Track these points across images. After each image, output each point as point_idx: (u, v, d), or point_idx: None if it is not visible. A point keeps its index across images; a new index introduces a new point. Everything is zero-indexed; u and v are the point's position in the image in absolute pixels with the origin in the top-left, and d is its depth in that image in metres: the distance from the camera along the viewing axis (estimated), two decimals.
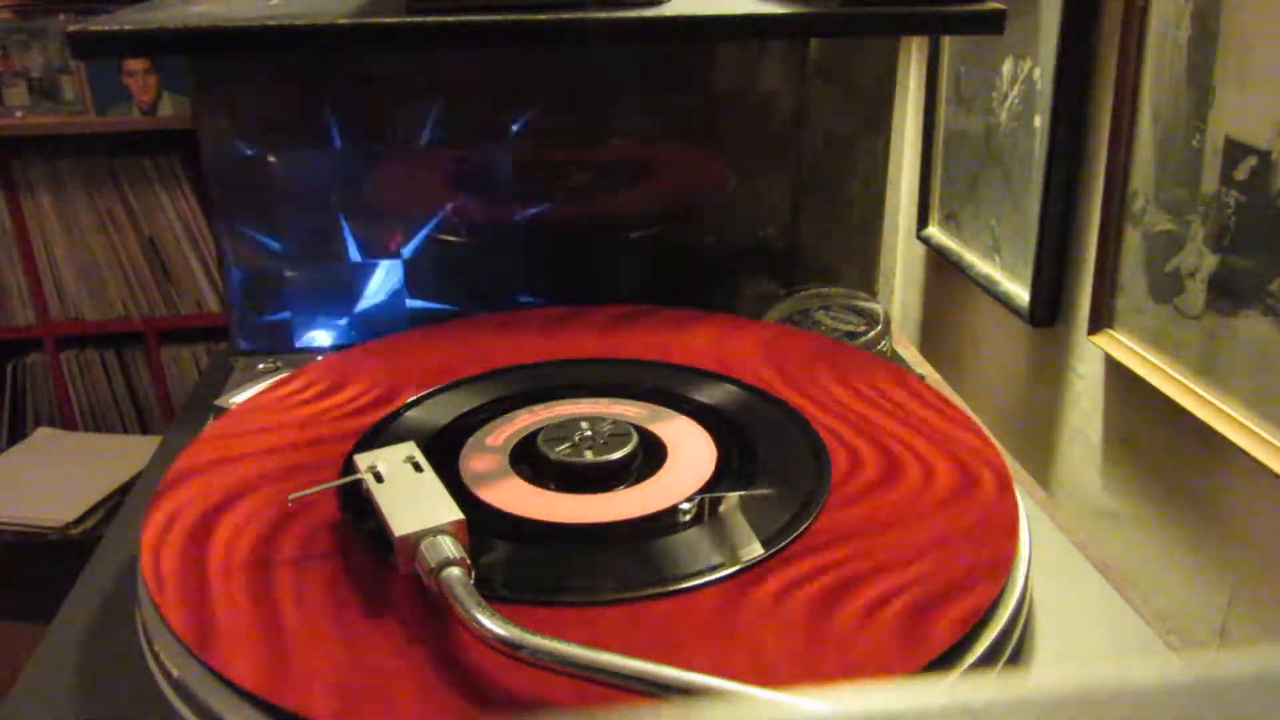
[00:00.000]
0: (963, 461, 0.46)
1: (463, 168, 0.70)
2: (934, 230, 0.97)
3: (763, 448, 0.48)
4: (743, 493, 0.44)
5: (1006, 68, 0.79)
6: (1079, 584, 0.44)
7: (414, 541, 0.36)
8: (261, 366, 0.62)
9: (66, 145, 1.48)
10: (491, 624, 0.32)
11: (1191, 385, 0.59)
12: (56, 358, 1.57)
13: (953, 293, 0.97)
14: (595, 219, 0.72)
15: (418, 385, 0.55)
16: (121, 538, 0.47)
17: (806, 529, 0.41)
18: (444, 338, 0.61)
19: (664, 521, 0.42)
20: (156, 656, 0.37)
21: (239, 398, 0.55)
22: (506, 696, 0.33)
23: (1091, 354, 0.71)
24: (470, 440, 0.49)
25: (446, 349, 0.59)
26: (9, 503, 1.29)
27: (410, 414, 0.52)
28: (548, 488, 0.45)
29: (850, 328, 0.67)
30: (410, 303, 0.72)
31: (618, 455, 0.46)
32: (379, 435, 0.50)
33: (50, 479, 1.36)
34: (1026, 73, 0.76)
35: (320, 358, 0.60)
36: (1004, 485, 0.44)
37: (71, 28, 0.52)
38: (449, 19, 0.53)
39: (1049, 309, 0.76)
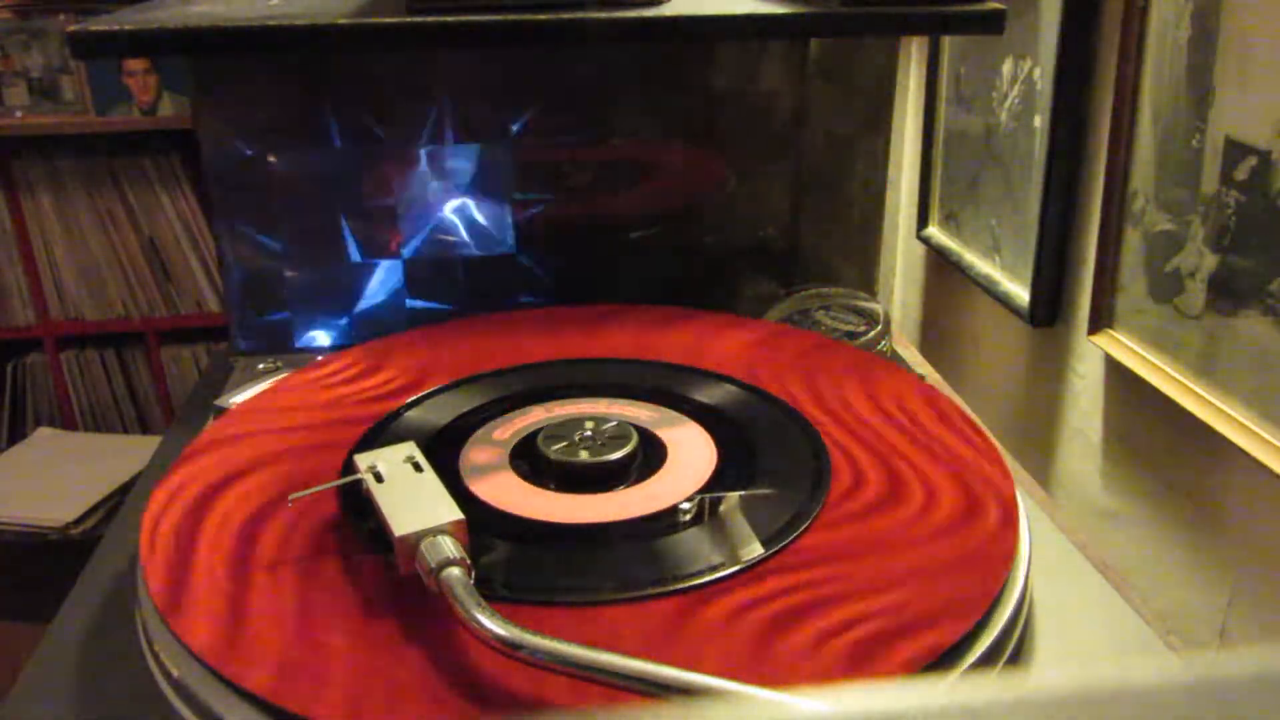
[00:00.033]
0: (968, 486, 0.44)
1: (462, 167, 0.70)
2: (934, 230, 0.97)
3: (763, 448, 0.48)
4: (743, 493, 0.44)
5: (1006, 68, 0.79)
6: (1079, 584, 0.44)
7: (414, 541, 0.36)
8: (261, 366, 0.62)
9: (66, 145, 1.48)
10: (491, 624, 0.32)
11: (1191, 385, 0.59)
12: (56, 358, 1.57)
13: (953, 293, 0.97)
14: (595, 219, 0.72)
15: (448, 375, 0.56)
16: (121, 538, 0.47)
17: (784, 547, 0.40)
18: (483, 331, 0.62)
19: (664, 521, 0.42)
20: (156, 656, 0.37)
21: (239, 398, 0.55)
22: (506, 696, 0.33)
23: (1091, 354, 0.71)
24: (470, 440, 0.49)
25: (482, 342, 0.60)
26: (9, 503, 1.29)
27: (410, 414, 0.52)
28: (548, 487, 0.45)
29: (850, 328, 0.67)
30: (410, 303, 0.72)
31: (618, 455, 0.46)
32: (379, 435, 0.50)
33: (50, 479, 1.36)
34: (1026, 73, 0.76)
35: (319, 358, 0.60)
36: (1008, 520, 0.42)
37: (71, 28, 0.52)
38: (449, 19, 0.53)
39: (1049, 309, 0.76)
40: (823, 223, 0.75)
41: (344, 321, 0.72)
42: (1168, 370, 0.61)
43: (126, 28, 0.52)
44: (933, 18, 0.58)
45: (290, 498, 0.42)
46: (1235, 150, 0.55)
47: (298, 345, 0.71)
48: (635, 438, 0.47)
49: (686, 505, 0.43)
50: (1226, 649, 0.60)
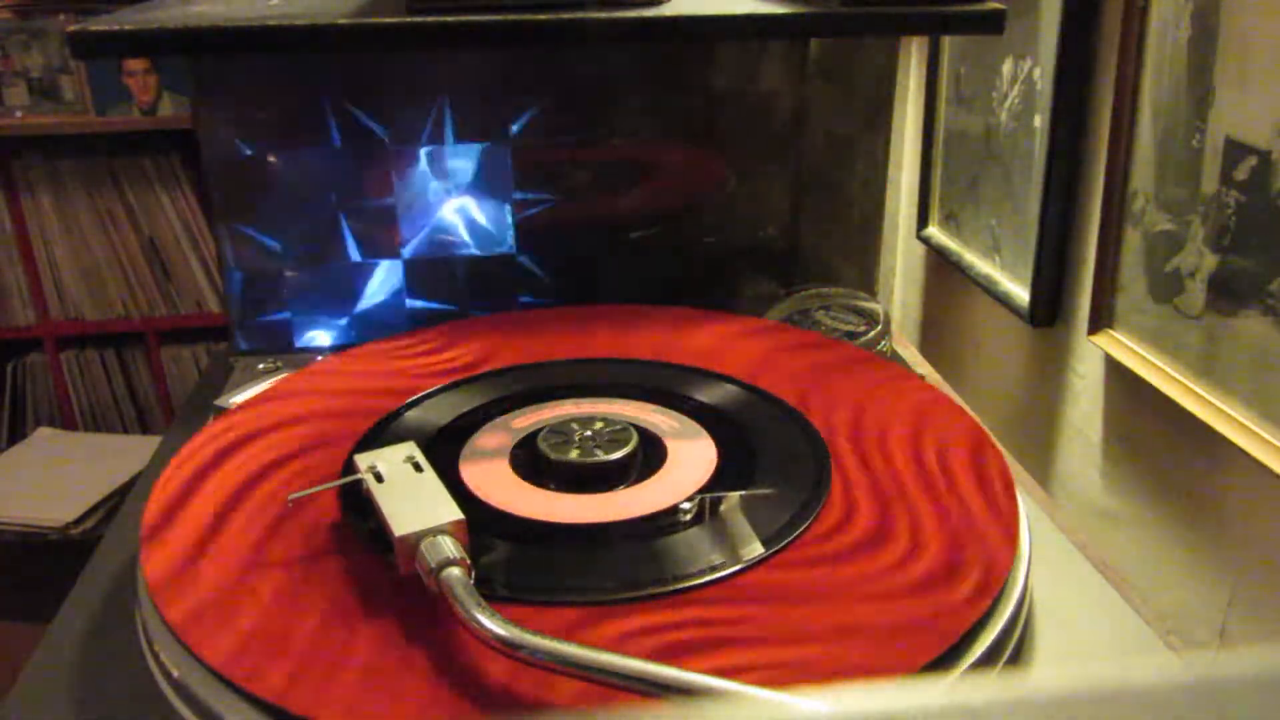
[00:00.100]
0: (958, 539, 0.41)
1: (462, 167, 0.70)
2: (934, 230, 0.97)
3: (763, 447, 0.48)
4: (743, 492, 0.44)
5: (1006, 68, 0.79)
6: (1079, 584, 0.44)
7: (414, 541, 0.36)
8: (261, 366, 0.62)
9: (66, 145, 1.48)
10: (491, 624, 0.32)
11: (1191, 385, 0.59)
12: (56, 358, 1.57)
13: (953, 293, 0.97)
14: (595, 219, 0.72)
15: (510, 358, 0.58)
16: (121, 538, 0.47)
17: (785, 548, 0.40)
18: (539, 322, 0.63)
19: (664, 521, 0.42)
20: (156, 656, 0.37)
21: (239, 398, 0.55)
22: (506, 696, 0.33)
23: (1091, 354, 0.71)
24: (470, 440, 0.49)
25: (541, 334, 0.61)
26: (9, 503, 1.29)
27: (410, 414, 0.52)
28: (548, 488, 0.45)
29: (850, 328, 0.67)
30: (410, 303, 0.72)
31: (618, 455, 0.46)
32: (379, 435, 0.50)
33: (50, 479, 1.36)
34: (1026, 73, 0.76)
35: (319, 358, 0.60)
36: (983, 589, 0.37)
37: (71, 28, 0.52)
38: (449, 19, 0.53)
39: (1049, 309, 0.76)
40: (823, 223, 0.75)
41: (344, 321, 0.72)
42: (1168, 370, 0.61)
43: (126, 28, 0.52)
44: (933, 18, 0.58)
45: (290, 497, 0.42)
46: (1235, 150, 0.55)
47: (298, 345, 0.71)
48: (635, 438, 0.47)
49: (686, 505, 0.43)
50: (1226, 649, 0.60)
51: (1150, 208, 0.62)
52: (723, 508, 0.43)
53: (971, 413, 0.52)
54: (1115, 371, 0.68)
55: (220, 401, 0.56)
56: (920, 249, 1.02)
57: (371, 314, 0.72)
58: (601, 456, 0.46)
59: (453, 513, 0.38)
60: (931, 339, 1.04)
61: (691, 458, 0.47)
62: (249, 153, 0.67)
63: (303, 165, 0.68)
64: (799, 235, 0.75)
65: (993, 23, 0.57)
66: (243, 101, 0.66)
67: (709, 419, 0.50)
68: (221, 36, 0.52)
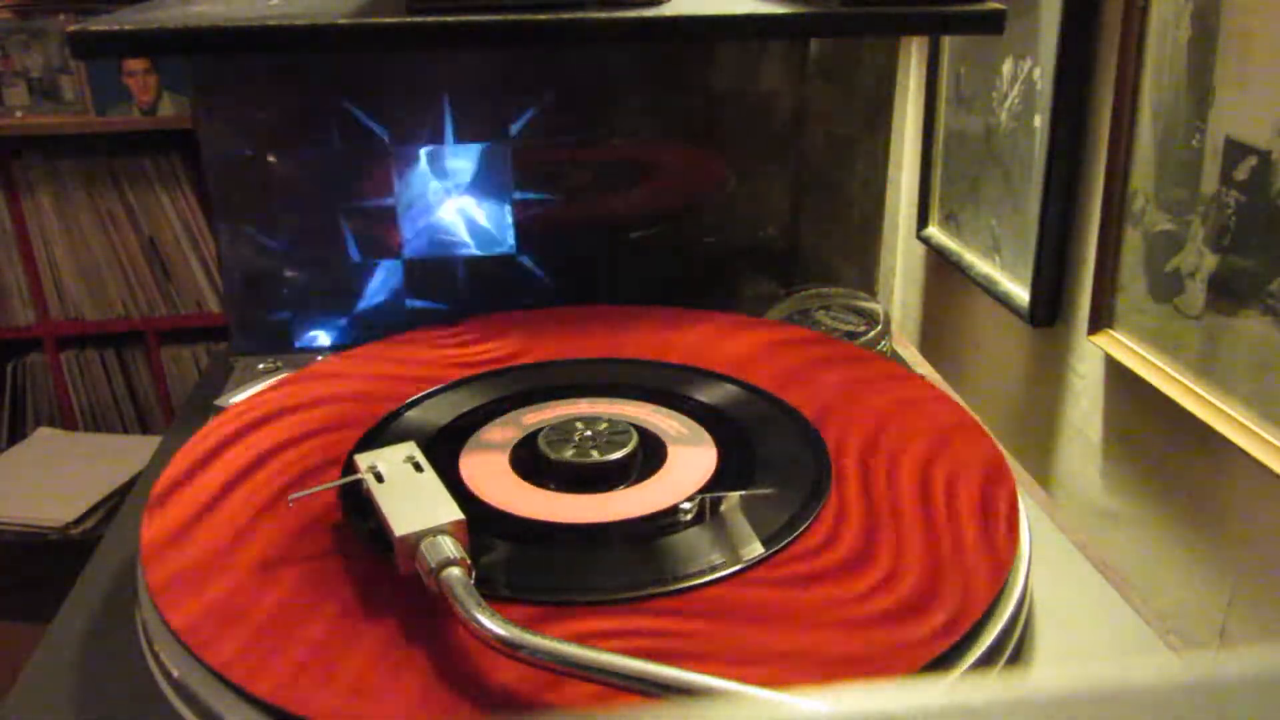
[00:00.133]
0: (940, 573, 0.38)
1: (462, 167, 0.70)
2: (934, 230, 0.97)
3: (763, 447, 0.48)
4: (743, 492, 0.44)
5: (1006, 68, 0.79)
6: (1079, 584, 0.44)
7: (414, 541, 0.36)
8: (261, 366, 0.62)
9: (66, 145, 1.48)
10: (491, 624, 0.32)
11: (1191, 385, 0.59)
12: (56, 358, 1.57)
13: (953, 293, 0.97)
14: (595, 219, 0.72)
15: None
16: (121, 538, 0.47)
17: (783, 548, 0.40)
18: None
19: (664, 521, 0.42)
20: (156, 656, 0.37)
21: (239, 397, 0.55)
22: (506, 696, 0.33)
23: (1091, 354, 0.71)
24: (470, 440, 0.49)
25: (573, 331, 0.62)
26: (9, 503, 1.29)
27: (410, 414, 0.52)
28: (548, 488, 0.45)
29: (850, 328, 0.67)
30: (410, 303, 0.72)
31: (618, 455, 0.46)
32: (379, 435, 0.50)
33: (50, 479, 1.36)
34: (1026, 73, 0.76)
35: (320, 359, 0.60)
36: (950, 628, 0.36)
37: (71, 28, 0.52)
38: (449, 19, 0.53)
39: (1049, 309, 0.76)
40: (823, 223, 0.75)
41: (344, 321, 0.72)
42: (1168, 370, 0.61)
43: (126, 28, 0.52)
44: (933, 18, 0.58)
45: (290, 498, 0.42)
46: (1235, 150, 0.55)
47: (298, 345, 0.71)
48: (635, 438, 0.47)
49: (686, 505, 0.43)
50: (1226, 649, 0.60)
51: (1150, 208, 0.62)
52: (723, 508, 0.43)
53: (995, 441, 0.48)
54: (1115, 371, 0.68)
55: (220, 401, 0.56)
56: (920, 249, 1.02)
57: (371, 314, 0.72)
58: (601, 456, 0.46)
59: (453, 513, 0.38)
60: (931, 339, 1.04)
61: (691, 458, 0.47)
62: (249, 153, 0.67)
63: (303, 165, 0.68)
64: (799, 235, 0.75)
65: (993, 23, 0.57)
66: (243, 101, 0.66)
67: (709, 419, 0.50)
68: (221, 36, 0.52)
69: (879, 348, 0.66)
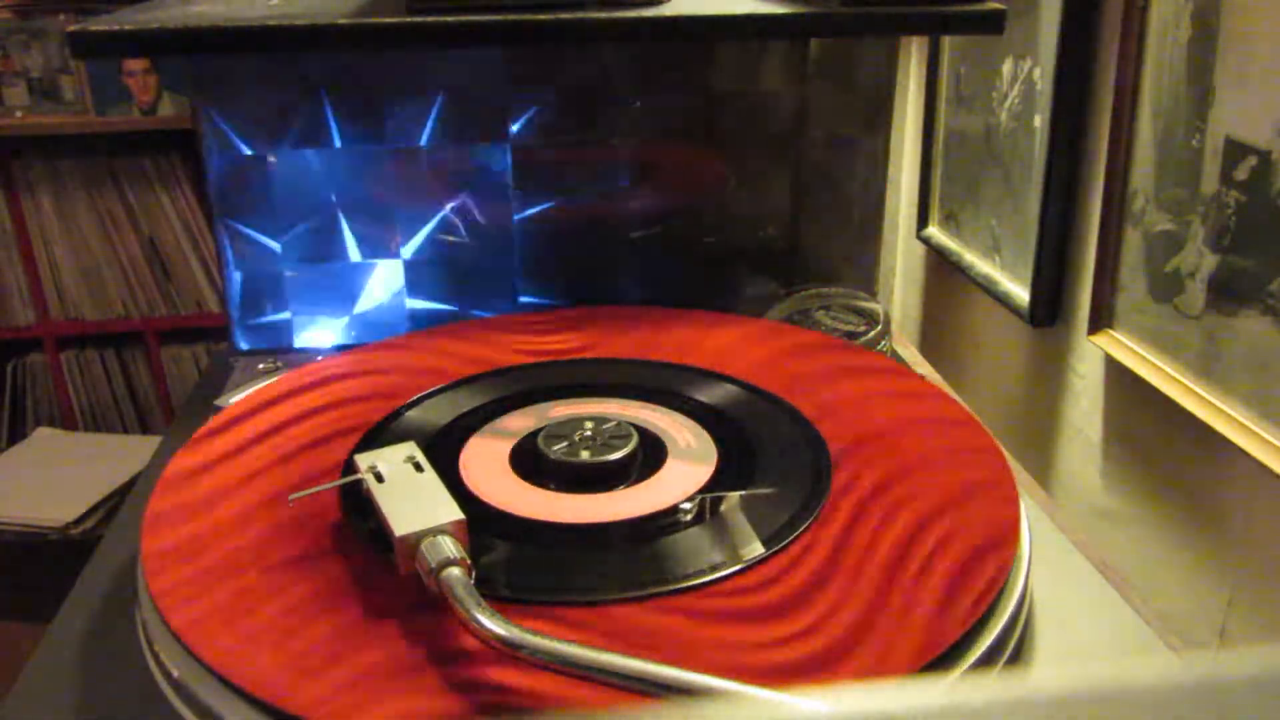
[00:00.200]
0: (865, 634, 0.36)
1: (462, 167, 0.70)
2: (934, 230, 0.97)
3: (763, 447, 0.48)
4: (743, 492, 0.44)
5: (1006, 68, 0.79)
6: (1079, 584, 0.44)
7: (414, 541, 0.36)
8: (261, 366, 0.62)
9: (66, 145, 1.48)
10: (491, 624, 0.32)
11: (1191, 385, 0.59)
12: (56, 358, 1.57)
13: (953, 293, 0.97)
14: (595, 219, 0.72)
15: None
16: (121, 538, 0.47)
17: (784, 548, 0.40)
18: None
19: (664, 521, 0.42)
20: (156, 656, 0.37)
21: (239, 397, 0.55)
22: (506, 696, 0.33)
23: (1091, 354, 0.71)
24: (470, 440, 0.49)
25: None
26: (9, 503, 1.29)
27: (410, 414, 0.52)
28: (548, 488, 0.45)
29: (850, 328, 0.67)
30: (410, 303, 0.72)
31: (618, 455, 0.46)
32: (379, 435, 0.50)
33: (50, 479, 1.36)
34: (1026, 73, 0.76)
35: (319, 359, 0.60)
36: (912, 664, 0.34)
37: (71, 28, 0.52)
38: (449, 19, 0.53)
39: (1049, 309, 0.76)
40: (823, 223, 0.75)
41: (344, 321, 0.72)
42: (1168, 370, 0.61)
43: (126, 28, 0.52)
44: (933, 18, 0.58)
45: (290, 497, 0.42)
46: (1235, 150, 0.55)
47: (298, 345, 0.71)
48: (635, 438, 0.47)
49: (686, 505, 0.43)
50: (1226, 649, 0.60)
51: (1150, 208, 0.62)
52: (723, 508, 0.43)
53: (996, 441, 0.46)
54: (1115, 371, 0.68)
55: (220, 401, 0.56)
56: (920, 249, 1.02)
57: (371, 314, 0.72)
58: (601, 456, 0.46)
59: (453, 513, 0.38)
60: (931, 339, 1.04)
61: (691, 458, 0.47)
62: (249, 153, 0.67)
63: (303, 165, 0.68)
64: (799, 235, 0.75)
65: (993, 23, 0.57)
66: (243, 101, 0.66)
67: (709, 419, 0.50)
68: (221, 36, 0.52)
69: (879, 348, 0.66)
